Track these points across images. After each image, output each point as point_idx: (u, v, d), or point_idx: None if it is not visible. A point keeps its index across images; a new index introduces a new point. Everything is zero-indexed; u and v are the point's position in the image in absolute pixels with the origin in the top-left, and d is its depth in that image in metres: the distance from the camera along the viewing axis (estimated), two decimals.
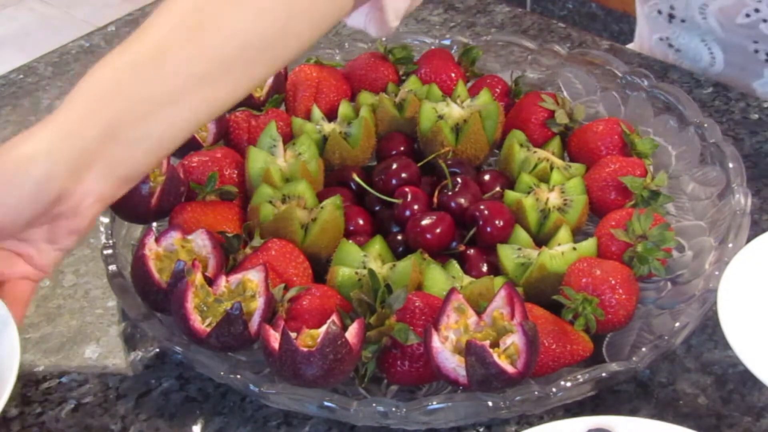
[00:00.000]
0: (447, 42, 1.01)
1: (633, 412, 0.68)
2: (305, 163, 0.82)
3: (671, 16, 1.06)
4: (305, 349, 0.62)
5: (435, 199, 0.79)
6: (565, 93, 0.95)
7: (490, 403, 0.63)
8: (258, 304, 0.68)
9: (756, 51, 1.02)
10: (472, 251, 0.76)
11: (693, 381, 0.70)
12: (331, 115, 0.90)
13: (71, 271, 0.84)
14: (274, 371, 0.65)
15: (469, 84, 0.94)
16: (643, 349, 0.67)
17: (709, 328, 0.74)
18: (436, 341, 0.63)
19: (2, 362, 0.64)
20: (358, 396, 0.68)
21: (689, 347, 0.73)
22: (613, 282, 0.68)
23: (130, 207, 0.76)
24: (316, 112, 0.89)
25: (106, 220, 0.79)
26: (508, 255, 0.74)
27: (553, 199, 0.78)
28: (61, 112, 0.61)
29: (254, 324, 0.67)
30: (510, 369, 0.61)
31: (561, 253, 0.73)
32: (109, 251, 0.76)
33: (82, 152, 0.61)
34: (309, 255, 0.74)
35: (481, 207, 0.77)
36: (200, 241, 0.72)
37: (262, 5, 0.66)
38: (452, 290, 0.66)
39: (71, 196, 0.62)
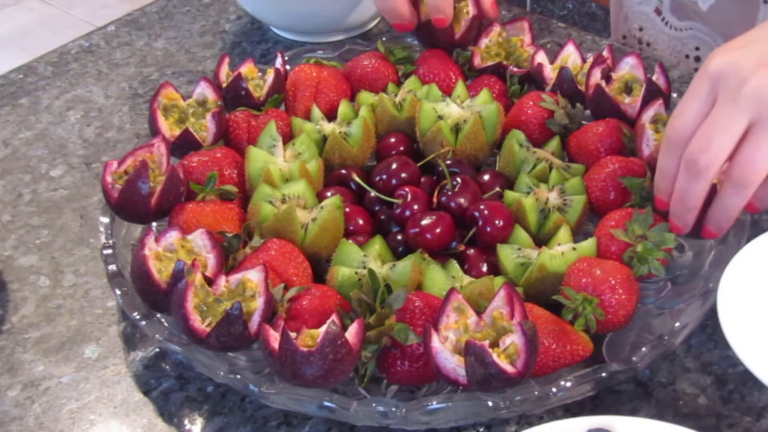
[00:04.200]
0: None
1: (633, 412, 0.68)
2: (305, 163, 0.82)
3: None
4: (305, 349, 0.62)
5: (435, 199, 0.79)
6: None
7: (490, 403, 0.63)
8: (258, 304, 0.67)
9: None
10: (472, 251, 0.76)
11: (693, 381, 0.70)
12: (330, 115, 0.90)
13: (71, 271, 0.84)
14: (274, 371, 0.65)
15: (469, 83, 0.94)
16: (643, 349, 0.67)
17: (709, 328, 0.74)
18: (435, 341, 0.63)
19: None
20: (358, 396, 0.68)
21: (689, 347, 0.73)
22: (613, 282, 0.68)
23: (130, 207, 0.76)
24: (316, 112, 0.89)
25: (106, 220, 0.79)
26: (508, 255, 0.74)
27: (553, 199, 0.78)
28: None
29: (254, 324, 0.67)
30: (509, 369, 0.61)
31: (561, 253, 0.73)
32: (109, 251, 0.76)
33: None
34: (309, 255, 0.74)
35: (481, 207, 0.77)
36: (200, 241, 0.72)
37: None
38: (452, 290, 0.66)
39: None
